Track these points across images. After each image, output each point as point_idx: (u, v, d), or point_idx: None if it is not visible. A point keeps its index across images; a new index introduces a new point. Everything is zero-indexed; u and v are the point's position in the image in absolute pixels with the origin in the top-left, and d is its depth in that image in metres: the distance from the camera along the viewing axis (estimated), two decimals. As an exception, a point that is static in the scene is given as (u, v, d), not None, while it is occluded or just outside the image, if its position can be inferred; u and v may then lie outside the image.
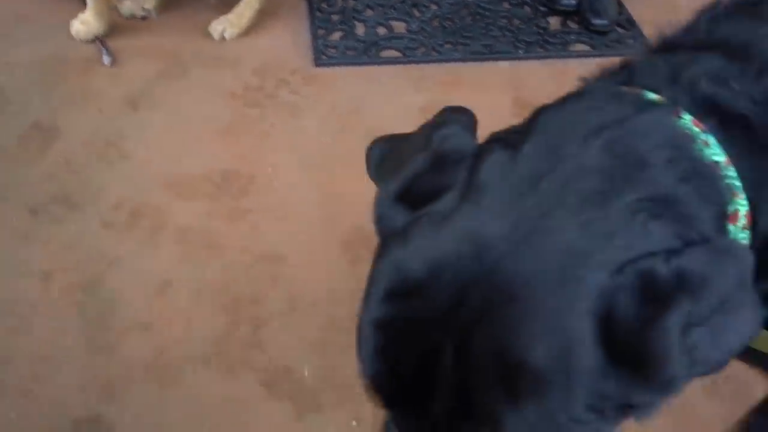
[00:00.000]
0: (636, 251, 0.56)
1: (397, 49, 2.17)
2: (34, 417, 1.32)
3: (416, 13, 2.31)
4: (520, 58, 2.18)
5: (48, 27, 2.12)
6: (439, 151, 0.66)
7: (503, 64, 2.16)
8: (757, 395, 1.06)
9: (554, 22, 2.32)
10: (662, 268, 0.55)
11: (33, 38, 2.09)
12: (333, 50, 2.14)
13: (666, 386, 0.57)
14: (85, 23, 2.07)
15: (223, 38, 2.14)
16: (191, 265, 1.56)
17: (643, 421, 0.61)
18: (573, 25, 2.30)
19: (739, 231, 0.64)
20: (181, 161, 1.79)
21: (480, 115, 0.71)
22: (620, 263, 0.56)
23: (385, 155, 0.77)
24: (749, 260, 0.57)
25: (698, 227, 0.59)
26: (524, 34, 2.25)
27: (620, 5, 2.35)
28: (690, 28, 0.77)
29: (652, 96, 0.67)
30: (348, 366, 1.40)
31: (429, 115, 0.73)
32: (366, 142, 0.76)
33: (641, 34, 2.26)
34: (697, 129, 0.64)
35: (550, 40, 2.24)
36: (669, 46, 0.77)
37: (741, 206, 0.64)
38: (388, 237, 0.65)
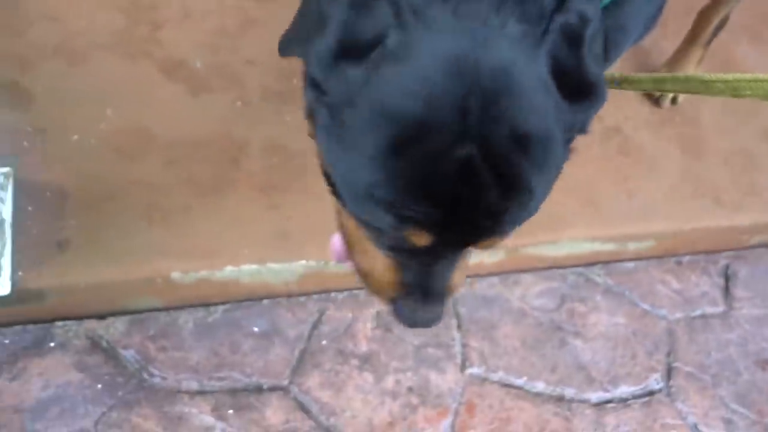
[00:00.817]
0: (546, 18, 0.67)
1: None
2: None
3: None
4: None
5: None
6: None
7: None
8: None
9: None
10: (572, 18, 0.68)
11: None
12: None
13: (601, 98, 0.71)
14: None
15: None
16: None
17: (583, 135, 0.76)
18: None
19: None
20: None
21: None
22: (543, 32, 0.67)
23: (290, 34, 0.80)
24: None
25: None
26: None
27: None
28: None
29: None
30: (236, 62, 1.67)
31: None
32: None
33: None
34: None
35: None
36: None
37: None
38: (353, 93, 0.65)
